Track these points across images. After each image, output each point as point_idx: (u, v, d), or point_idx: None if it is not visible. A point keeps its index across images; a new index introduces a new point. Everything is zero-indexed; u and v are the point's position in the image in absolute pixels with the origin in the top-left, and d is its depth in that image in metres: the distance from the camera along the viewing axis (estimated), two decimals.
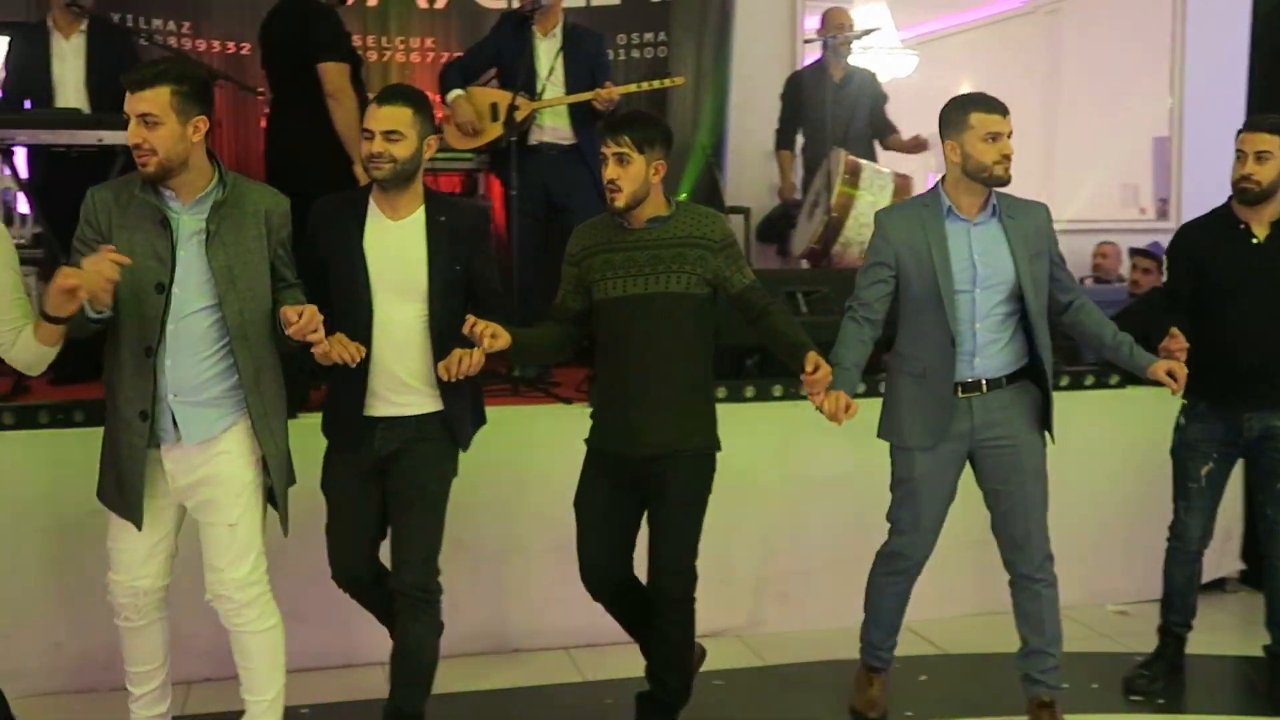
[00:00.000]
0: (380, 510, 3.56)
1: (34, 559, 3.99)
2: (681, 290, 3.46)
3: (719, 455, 3.57)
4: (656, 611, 3.58)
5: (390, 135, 3.35)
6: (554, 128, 5.38)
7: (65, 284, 2.92)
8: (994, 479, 3.72)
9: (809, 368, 3.29)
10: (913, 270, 3.64)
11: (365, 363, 3.35)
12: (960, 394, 3.65)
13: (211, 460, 3.27)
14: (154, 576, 3.36)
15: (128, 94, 3.09)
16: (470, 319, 3.24)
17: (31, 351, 3.11)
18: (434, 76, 6.76)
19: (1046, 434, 3.75)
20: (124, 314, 3.17)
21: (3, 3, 6.17)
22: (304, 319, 3.10)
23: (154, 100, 3.07)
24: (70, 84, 5.23)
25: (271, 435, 3.31)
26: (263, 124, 6.26)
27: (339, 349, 3.22)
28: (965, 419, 3.66)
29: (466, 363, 3.24)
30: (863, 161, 6.03)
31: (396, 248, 3.43)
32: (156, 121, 3.08)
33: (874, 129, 6.69)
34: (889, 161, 6.54)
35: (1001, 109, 3.60)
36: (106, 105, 5.15)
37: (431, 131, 3.44)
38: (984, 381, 3.65)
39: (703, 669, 4.25)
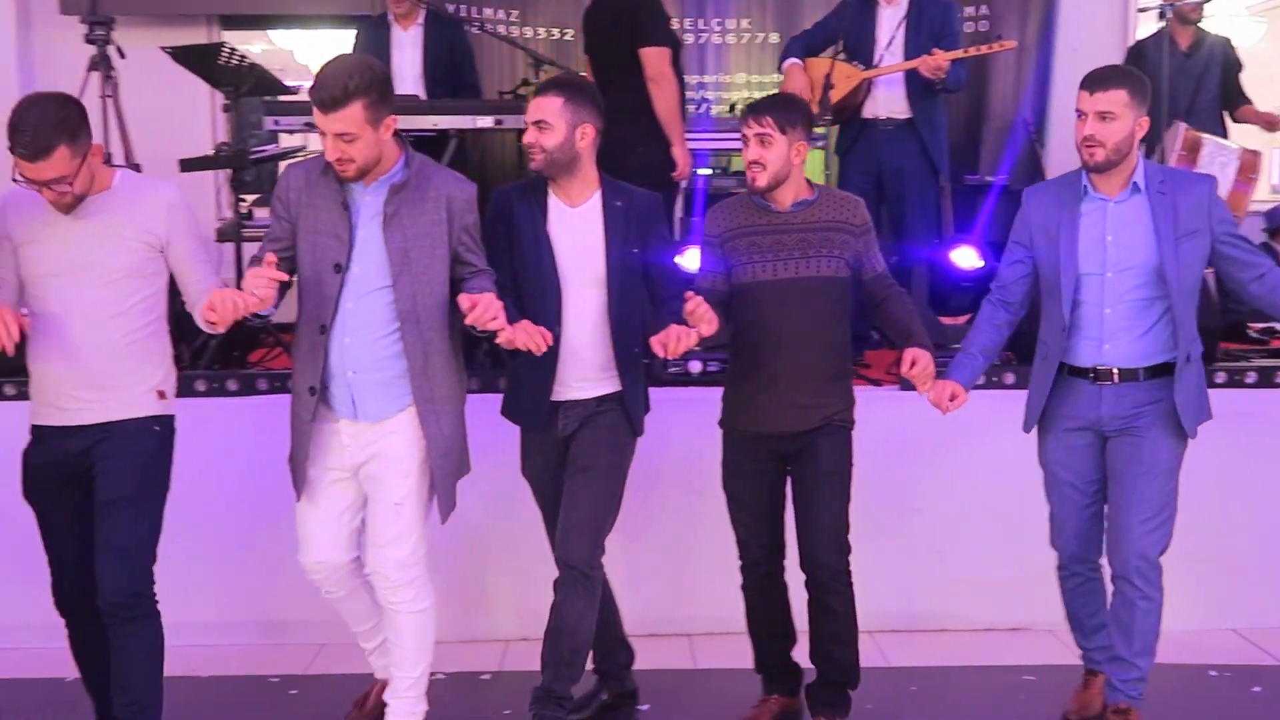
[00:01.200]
0: None
1: None
2: (830, 274, 3.44)
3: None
4: (817, 586, 3.51)
5: (539, 125, 3.36)
6: (889, 100, 5.17)
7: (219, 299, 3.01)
8: (1111, 472, 3.50)
9: (904, 366, 3.32)
10: (1044, 251, 3.48)
11: (555, 348, 3.33)
12: (1093, 380, 3.44)
13: (383, 438, 3.30)
14: (339, 550, 3.40)
15: (319, 113, 3.09)
16: (693, 298, 3.18)
17: (204, 323, 3.22)
18: (749, 57, 6.80)
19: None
20: (304, 293, 3.28)
21: None
22: (479, 308, 3.07)
23: (348, 119, 3.08)
24: (409, 73, 5.55)
25: (436, 420, 3.29)
26: None
27: (524, 336, 3.15)
28: (1094, 406, 3.46)
29: (685, 342, 3.17)
30: (1204, 136, 5.61)
31: (577, 234, 3.43)
32: (354, 137, 3.10)
33: (1225, 100, 6.19)
34: (1241, 136, 6.09)
35: (1093, 83, 3.35)
36: (441, 92, 5.46)
37: (588, 120, 3.40)
38: (1116, 371, 3.42)
39: (1011, 663, 4.13)
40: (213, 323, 3.08)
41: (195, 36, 6.53)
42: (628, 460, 3.52)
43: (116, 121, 5.23)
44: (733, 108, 6.62)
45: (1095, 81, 3.37)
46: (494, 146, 6.47)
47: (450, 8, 6.40)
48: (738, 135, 5.97)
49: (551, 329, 3.31)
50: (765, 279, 3.45)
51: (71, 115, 3.03)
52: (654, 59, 5.00)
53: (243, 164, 5.14)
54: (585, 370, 3.44)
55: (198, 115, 6.66)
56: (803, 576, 3.53)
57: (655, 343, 3.20)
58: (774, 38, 6.95)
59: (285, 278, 3.13)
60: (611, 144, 5.22)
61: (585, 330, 3.43)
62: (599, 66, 5.38)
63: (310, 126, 5.21)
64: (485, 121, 5.13)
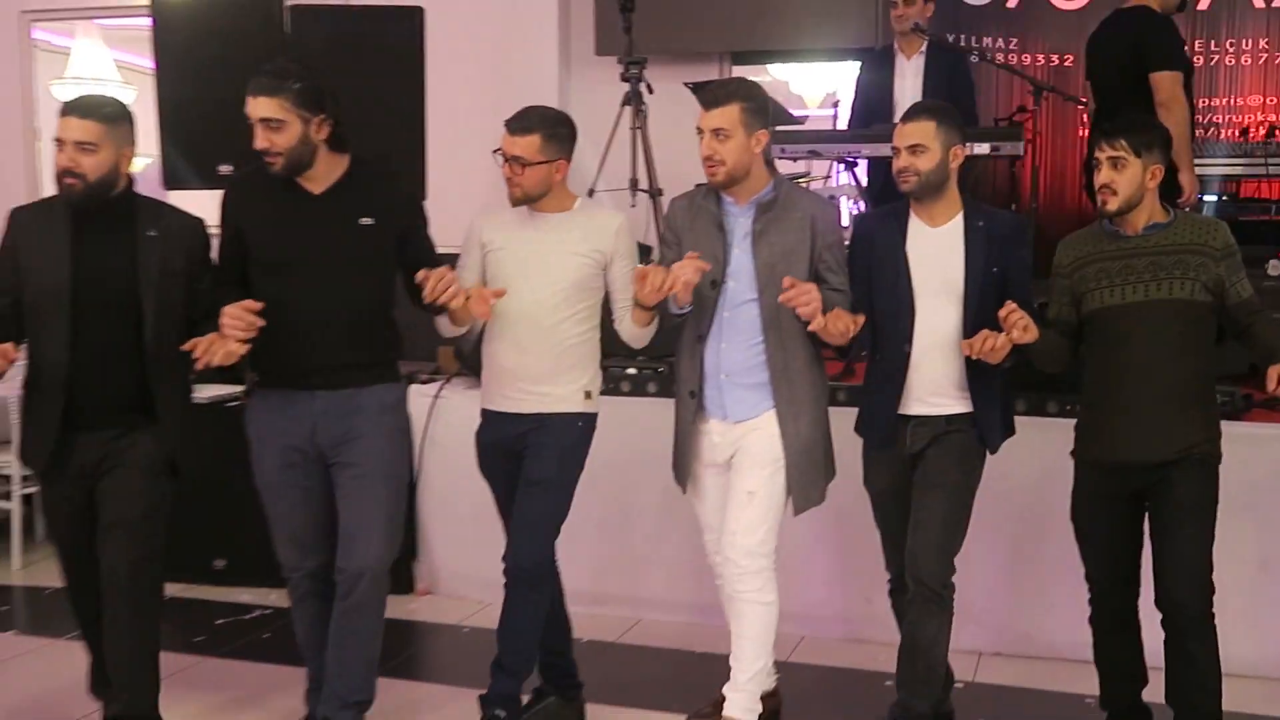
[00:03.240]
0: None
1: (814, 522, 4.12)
2: (1185, 297, 3.32)
3: None
4: (1176, 631, 3.37)
5: (915, 149, 3.44)
6: None
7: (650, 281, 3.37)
8: None
9: (1270, 385, 3.20)
10: None
11: (904, 362, 3.47)
12: None
13: (746, 435, 3.55)
14: None
15: (703, 112, 3.44)
16: (1009, 304, 3.28)
17: (627, 330, 3.62)
18: (1266, 78, 6.48)
19: None
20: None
21: (857, 31, 6.91)
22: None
23: (725, 115, 3.42)
24: (909, 100, 5.74)
25: (794, 422, 3.52)
26: (1081, 134, 6.42)
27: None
28: None
29: (990, 344, 3.27)
30: None
31: (936, 252, 3.50)
32: (727, 135, 3.41)
33: None
34: None
35: None
36: None
37: (958, 142, 3.47)
38: None
39: None
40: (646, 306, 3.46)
41: (710, 73, 7.02)
42: (976, 479, 3.55)
43: (643, 151, 5.79)
44: (1244, 133, 6.33)
45: None
46: (987, 173, 6.56)
47: (950, 37, 6.56)
48: (1248, 160, 5.77)
49: (902, 345, 3.49)
50: (1113, 303, 3.39)
51: (561, 125, 3.53)
52: (1166, 83, 4.93)
53: None
54: (934, 387, 3.50)
55: None
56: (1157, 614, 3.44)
57: (963, 344, 3.34)
58: None
59: (708, 267, 3.43)
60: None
61: (937, 346, 3.49)
62: (1103, 91, 5.36)
63: (814, 154, 5.64)
64: (981, 148, 5.27)
